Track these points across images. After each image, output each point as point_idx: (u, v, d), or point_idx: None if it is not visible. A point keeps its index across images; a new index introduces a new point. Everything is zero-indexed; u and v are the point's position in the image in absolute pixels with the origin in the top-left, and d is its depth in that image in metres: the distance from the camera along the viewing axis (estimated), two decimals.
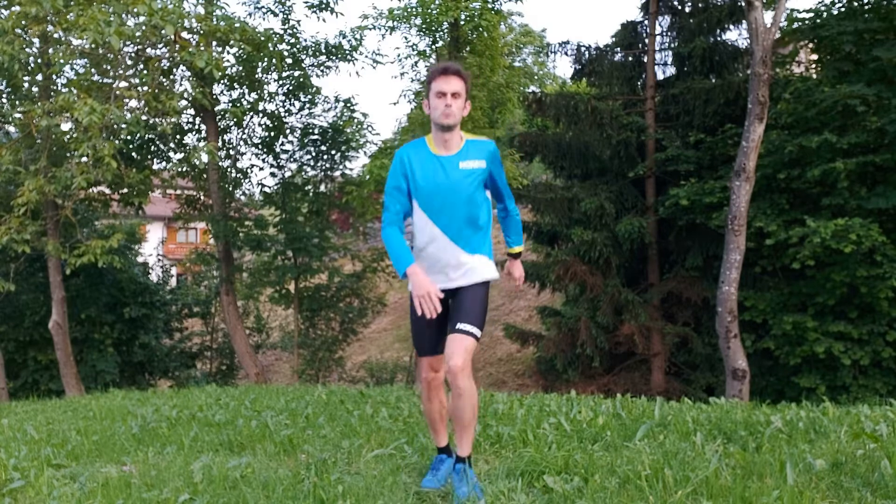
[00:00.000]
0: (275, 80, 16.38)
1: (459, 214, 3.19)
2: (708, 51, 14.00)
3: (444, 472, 3.38)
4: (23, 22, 11.54)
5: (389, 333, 24.07)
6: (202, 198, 17.62)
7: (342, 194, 17.53)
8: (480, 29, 15.49)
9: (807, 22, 12.84)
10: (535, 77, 31.03)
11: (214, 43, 14.15)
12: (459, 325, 3.13)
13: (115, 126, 12.28)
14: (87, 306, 16.85)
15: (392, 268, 18.34)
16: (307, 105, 17.13)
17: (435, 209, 3.19)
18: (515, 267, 3.61)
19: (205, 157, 15.41)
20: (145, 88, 12.77)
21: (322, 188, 18.16)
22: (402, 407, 5.83)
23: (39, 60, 13.14)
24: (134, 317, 17.58)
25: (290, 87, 16.57)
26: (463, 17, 15.11)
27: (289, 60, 15.78)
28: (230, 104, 16.11)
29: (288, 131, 17.33)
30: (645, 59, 14.88)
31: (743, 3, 11.79)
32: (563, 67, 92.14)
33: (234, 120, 16.30)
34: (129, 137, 14.59)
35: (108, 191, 15.40)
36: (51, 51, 12.77)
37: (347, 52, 16.20)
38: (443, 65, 3.20)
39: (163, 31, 11.36)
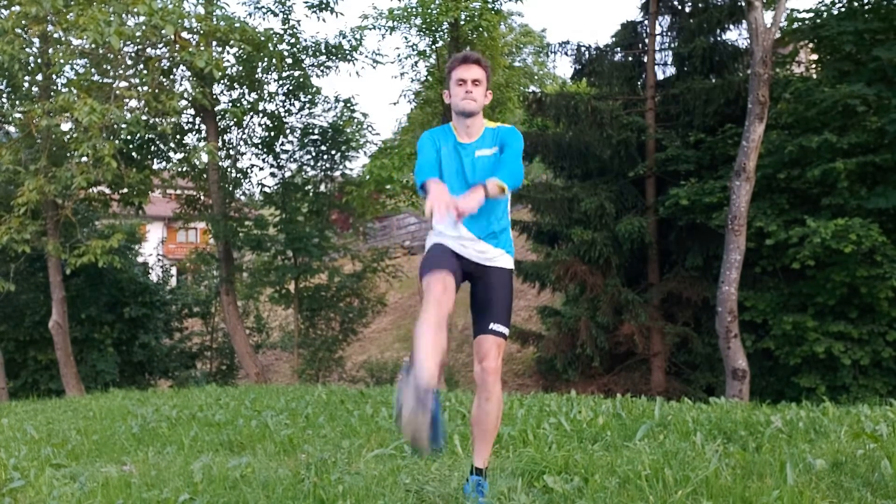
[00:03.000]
0: (275, 80, 16.39)
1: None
2: (708, 51, 13.98)
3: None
4: (23, 22, 11.54)
5: (389, 333, 24.06)
6: (202, 198, 17.62)
7: (342, 194, 17.54)
8: (480, 29, 15.49)
9: (807, 22, 12.83)
10: (535, 77, 30.99)
11: (214, 43, 14.15)
12: (492, 326, 3.05)
13: (115, 126, 12.29)
14: (87, 306, 16.85)
15: (392, 268, 18.44)
16: (307, 105, 17.12)
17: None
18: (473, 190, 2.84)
19: (205, 157, 15.42)
20: (145, 88, 12.78)
21: (322, 188, 18.15)
22: None
23: (39, 60, 13.15)
24: (134, 317, 17.58)
25: (290, 87, 16.57)
26: (463, 17, 15.11)
27: (289, 60, 15.78)
28: (230, 104, 16.11)
29: (288, 131, 17.33)
30: (645, 59, 14.87)
31: (743, 3, 11.79)
32: (563, 67, 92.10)
33: (234, 120, 16.29)
34: (129, 137, 14.58)
35: (108, 191, 15.41)
36: (51, 51, 12.77)
37: (347, 52, 16.19)
38: (462, 54, 3.16)
39: (163, 31, 11.36)
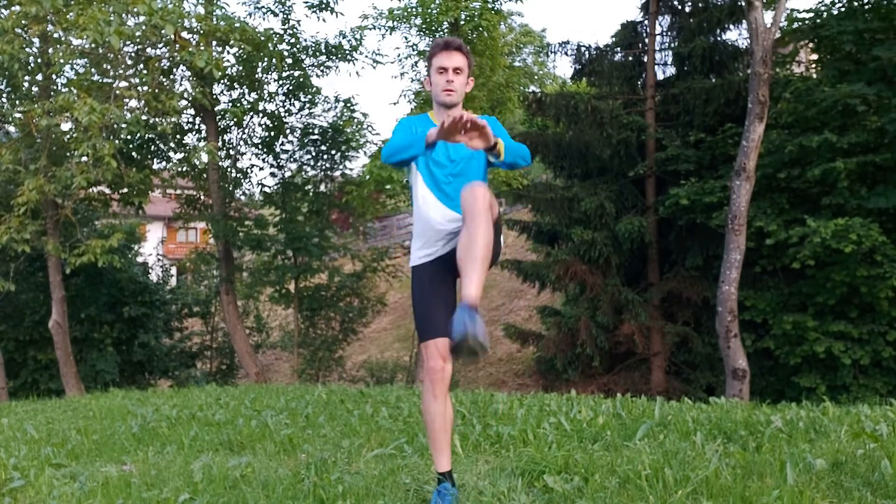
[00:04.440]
0: (275, 80, 16.39)
1: (461, 190, 2.96)
2: (708, 50, 13.99)
3: None
4: (23, 22, 11.54)
5: (389, 333, 24.07)
6: (202, 198, 17.62)
7: (342, 194, 17.55)
8: (480, 29, 15.50)
9: (807, 22, 12.84)
10: (535, 77, 31.03)
11: (214, 43, 14.14)
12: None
13: (115, 126, 12.29)
14: (86, 306, 16.85)
15: (392, 268, 18.43)
16: (307, 105, 17.12)
17: (436, 184, 3.05)
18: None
19: (205, 157, 15.41)
20: (145, 88, 12.77)
21: (322, 188, 18.16)
22: (402, 407, 5.83)
23: (39, 60, 13.14)
24: (134, 316, 17.58)
25: (290, 87, 16.56)
26: (463, 17, 15.12)
27: (289, 60, 15.77)
28: (230, 104, 16.10)
29: (288, 131, 17.33)
30: (645, 59, 14.88)
31: (743, 3, 11.79)
32: (563, 67, 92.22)
33: (234, 120, 16.29)
34: (129, 137, 14.58)
35: (108, 190, 15.40)
36: (51, 51, 12.76)
37: (347, 52, 16.18)
38: (444, 40, 3.10)
39: (163, 31, 11.35)
